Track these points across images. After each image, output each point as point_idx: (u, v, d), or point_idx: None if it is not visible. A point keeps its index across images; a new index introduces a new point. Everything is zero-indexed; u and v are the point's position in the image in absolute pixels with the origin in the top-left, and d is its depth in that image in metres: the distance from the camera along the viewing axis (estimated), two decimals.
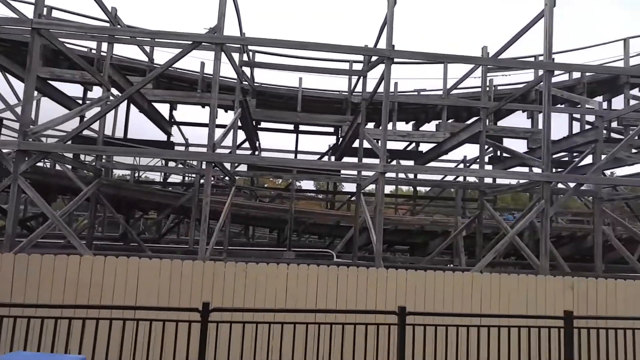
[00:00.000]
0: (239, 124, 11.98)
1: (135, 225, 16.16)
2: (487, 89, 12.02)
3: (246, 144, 16.60)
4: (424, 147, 15.61)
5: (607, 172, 18.92)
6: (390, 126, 13.85)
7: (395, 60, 8.88)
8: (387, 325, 5.80)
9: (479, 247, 11.25)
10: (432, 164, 14.81)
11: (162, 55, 26.87)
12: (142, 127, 15.53)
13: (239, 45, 10.15)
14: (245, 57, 11.67)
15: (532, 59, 13.60)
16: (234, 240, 15.74)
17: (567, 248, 16.87)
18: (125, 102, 12.34)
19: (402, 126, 16.41)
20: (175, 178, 20.55)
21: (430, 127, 15.57)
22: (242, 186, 18.87)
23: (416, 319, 5.96)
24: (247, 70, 13.30)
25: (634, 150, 14.48)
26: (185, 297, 6.46)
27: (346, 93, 14.47)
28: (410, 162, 15.77)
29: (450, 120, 14.28)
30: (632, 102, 15.00)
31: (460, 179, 16.17)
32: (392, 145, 15.93)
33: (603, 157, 11.49)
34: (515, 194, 29.35)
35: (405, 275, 7.45)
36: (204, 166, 9.54)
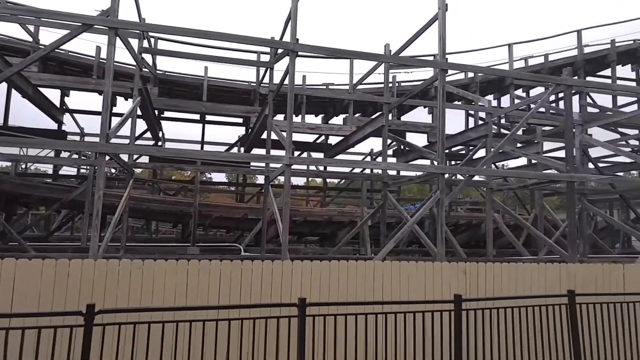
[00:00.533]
0: (139, 113, 11.33)
1: (18, 222, 14.71)
2: (390, 85, 12.46)
3: (149, 134, 15.77)
4: (334, 140, 15.91)
5: (500, 165, 20.54)
6: (299, 119, 13.94)
7: (302, 53, 8.88)
8: (288, 318, 5.81)
9: (383, 236, 11.69)
10: (341, 156, 15.14)
11: (52, 38, 24.68)
12: (37, 116, 14.02)
13: (138, 31, 9.57)
14: (145, 44, 11.04)
15: (432, 58, 14.31)
16: (136, 236, 14.95)
17: (464, 235, 18.10)
18: (5, 86, 11.14)
19: (311, 119, 16.62)
20: (69, 170, 19.02)
21: (338, 120, 15.91)
22: (143, 178, 17.94)
23: (318, 310, 6.04)
24: (149, 57, 12.60)
25: (519, 145, 15.83)
26: (72, 301, 5.95)
27: (255, 84, 14.28)
28: (321, 155, 16.00)
29: (357, 115, 14.69)
30: (517, 101, 16.40)
31: (368, 171, 16.71)
32: (302, 137, 16.08)
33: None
34: (421, 185, 30.97)
35: (311, 267, 7.48)
36: None
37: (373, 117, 13.60)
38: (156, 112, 13.37)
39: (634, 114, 16.06)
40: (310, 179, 23.66)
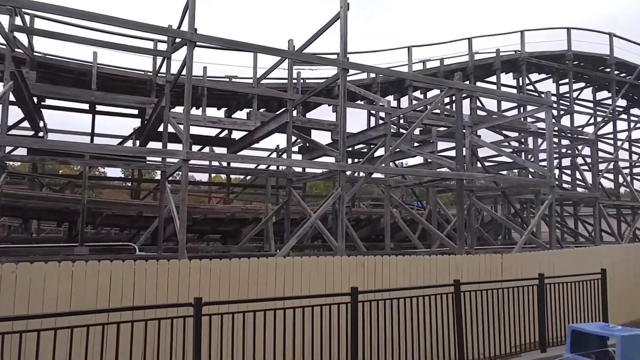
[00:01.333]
0: (13, 99, 10.20)
1: None
2: (295, 81, 12.50)
3: (27, 124, 14.23)
4: (238, 135, 15.60)
5: (400, 163, 21.53)
6: (200, 112, 13.47)
7: (201, 44, 8.57)
8: (183, 318, 5.59)
9: (287, 232, 11.72)
10: (246, 152, 14.90)
11: None
12: None
13: (8, 7, 8.61)
14: (19, 22, 9.97)
15: (335, 57, 14.62)
16: (12, 236, 13.51)
17: (365, 230, 18.74)
18: None
19: (213, 112, 16.14)
20: None
21: (242, 115, 15.64)
22: (22, 172, 16.28)
23: (217, 308, 5.90)
24: (25, 38, 11.39)
25: (416, 144, 16.70)
26: None
27: (151, 73, 13.52)
28: (224, 150, 15.63)
29: (261, 110, 14.53)
30: (415, 102, 17.30)
31: (274, 167, 16.67)
32: (203, 131, 15.56)
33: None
34: (328, 182, 31.56)
35: (210, 265, 7.27)
36: None
37: (278, 112, 13.56)
38: (35, 99, 12.11)
39: (515, 117, 17.70)
40: (214, 174, 23.07)
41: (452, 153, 14.73)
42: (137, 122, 15.60)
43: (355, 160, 18.29)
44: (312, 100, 15.46)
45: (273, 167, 16.38)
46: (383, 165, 12.56)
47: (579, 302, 9.20)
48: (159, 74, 13.16)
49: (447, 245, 12.97)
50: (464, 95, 15.44)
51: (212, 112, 16.14)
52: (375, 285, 8.17)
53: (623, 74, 24.63)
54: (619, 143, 24.66)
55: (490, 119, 17.99)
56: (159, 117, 11.04)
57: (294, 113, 12.24)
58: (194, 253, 10.90)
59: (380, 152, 14.76)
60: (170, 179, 10.84)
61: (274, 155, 18.50)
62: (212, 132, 16.02)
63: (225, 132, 16.07)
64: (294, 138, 12.26)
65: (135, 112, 14.80)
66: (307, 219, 10.66)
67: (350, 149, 17.25)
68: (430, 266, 8.66)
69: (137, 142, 14.76)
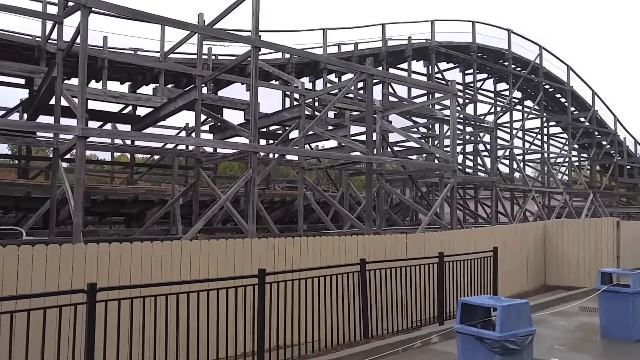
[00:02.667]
0: None
1: None
2: (205, 57, 12.00)
3: None
4: (143, 111, 14.72)
5: (316, 145, 21.66)
6: (100, 85, 12.47)
7: (97, 10, 7.86)
8: (74, 305, 5.17)
9: (195, 215, 11.33)
10: (152, 129, 14.14)
11: None
12: None
13: None
14: None
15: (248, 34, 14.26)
16: None
17: (279, 212, 18.72)
18: None
19: (116, 86, 15.03)
20: None
21: (148, 90, 14.74)
22: None
23: (118, 293, 5.54)
24: None
25: (330, 127, 16.89)
26: None
27: (40, 39, 12.20)
28: (127, 127, 14.68)
29: (170, 85, 13.81)
30: (329, 85, 17.42)
31: (183, 147, 15.97)
32: (105, 106, 14.47)
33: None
34: (242, 163, 30.96)
35: (109, 249, 6.79)
36: None
37: (186, 89, 12.96)
38: None
39: (423, 104, 18.47)
40: (118, 153, 21.69)
41: (365, 137, 15.08)
42: (24, 93, 14.10)
43: (269, 141, 18.10)
44: (224, 78, 14.98)
45: (181, 147, 15.68)
46: (297, 147, 12.54)
47: (474, 277, 9.87)
48: (49, 41, 11.91)
49: (357, 227, 13.32)
50: (376, 80, 15.83)
51: (114, 86, 15.02)
52: (285, 267, 8.11)
53: (519, 69, 26.65)
54: (514, 132, 26.80)
55: (400, 105, 18.65)
56: (50, 89, 10.05)
57: (204, 90, 11.78)
58: (95, 237, 10.19)
59: (295, 134, 14.73)
60: (67, 157, 9.98)
61: (183, 134, 17.72)
62: (114, 107, 14.93)
63: (129, 108, 15.04)
64: (203, 117, 11.81)
65: (22, 81, 13.32)
66: (216, 201, 10.37)
67: (264, 129, 17.03)
68: (340, 246, 8.79)
69: (25, 116, 13.34)
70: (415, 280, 8.81)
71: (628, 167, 32.27)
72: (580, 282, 13.45)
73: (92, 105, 12.37)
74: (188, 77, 14.66)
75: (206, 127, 16.52)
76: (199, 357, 6.01)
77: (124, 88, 15.19)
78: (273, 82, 17.66)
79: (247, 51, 10.26)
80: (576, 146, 30.97)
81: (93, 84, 14.01)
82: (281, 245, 8.32)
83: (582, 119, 29.83)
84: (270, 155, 14.07)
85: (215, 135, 15.68)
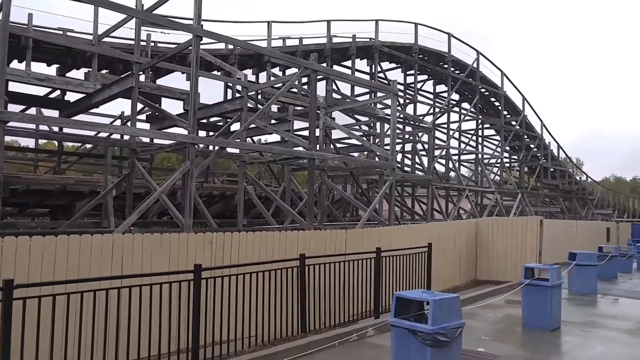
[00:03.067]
0: None
1: None
2: (144, 43, 11.50)
3: None
4: (74, 97, 13.85)
5: (258, 139, 21.40)
6: (23, 66, 11.60)
7: None
8: None
9: (129, 207, 10.86)
10: (82, 117, 13.36)
11: None
12: None
13: None
14: None
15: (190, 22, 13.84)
16: None
17: (218, 206, 18.38)
18: None
19: (42, 68, 13.98)
20: None
21: (79, 74, 13.89)
22: None
23: (39, 290, 5.18)
24: None
25: (273, 121, 16.74)
26: None
27: None
28: (56, 113, 13.77)
29: (104, 71, 13.10)
30: (273, 79, 17.26)
31: (116, 136, 15.27)
32: (29, 89, 13.46)
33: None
34: (182, 155, 30.05)
35: (29, 244, 6.34)
36: None
37: (122, 76, 12.36)
38: None
39: (365, 102, 18.76)
40: (44, 140, 20.36)
41: (308, 133, 15.08)
42: None
43: (209, 133, 17.68)
44: (163, 66, 14.45)
45: (116, 136, 14.97)
46: (238, 140, 12.31)
47: (410, 272, 10.16)
48: None
49: (298, 222, 13.32)
50: (320, 76, 15.89)
51: (40, 67, 13.99)
52: (223, 262, 7.96)
53: (457, 72, 27.71)
54: (451, 133, 27.87)
55: (343, 102, 18.83)
56: None
57: (142, 78, 11.28)
58: (14, 229, 9.51)
59: (236, 126, 14.48)
60: None
61: (118, 122, 16.91)
62: (39, 91, 13.91)
63: (57, 92, 14.09)
64: (140, 105, 11.34)
65: None
66: (152, 194, 9.98)
67: (204, 121, 16.62)
68: (280, 241, 8.74)
69: None
70: (353, 275, 8.93)
71: (552, 169, 34.49)
72: (507, 277, 14.20)
73: (13, 87, 11.46)
74: (124, 63, 13.97)
75: (143, 117, 15.86)
76: (129, 356, 5.75)
77: (52, 71, 14.21)
78: (215, 72, 17.25)
79: (188, 40, 9.94)
80: (507, 148, 32.68)
81: (15, 64, 13.00)
82: (219, 240, 8.14)
83: (514, 123, 31.52)
84: (210, 148, 13.77)
85: (152, 125, 15.10)
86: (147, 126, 14.93)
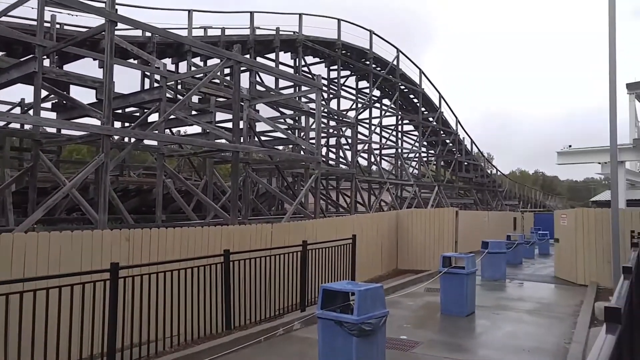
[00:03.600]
0: None
1: None
2: (48, 25, 10.55)
3: None
4: None
5: (177, 131, 20.56)
6: None
7: None
8: None
9: (32, 203, 9.95)
10: None
11: None
12: None
13: None
14: None
15: (104, 5, 12.92)
16: None
17: (135, 201, 17.46)
18: None
19: None
20: None
21: None
22: None
23: None
24: None
25: (194, 113, 16.15)
26: None
27: None
28: None
29: (0, 53, 11.85)
30: (194, 69, 16.64)
31: (16, 125, 13.96)
32: None
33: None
34: (93, 147, 28.17)
35: None
36: None
37: (23, 59, 11.25)
38: None
39: (290, 96, 18.69)
40: None
41: (230, 125, 14.72)
42: None
43: (125, 124, 16.70)
44: (72, 51, 13.39)
45: (15, 125, 13.63)
46: (156, 131, 11.72)
47: (335, 264, 10.28)
48: None
49: (222, 217, 12.98)
50: (243, 68, 15.51)
51: None
52: (142, 260, 7.54)
53: (379, 68, 28.44)
54: (373, 128, 28.60)
55: (268, 95, 18.61)
56: None
57: (47, 63, 10.35)
58: None
59: (154, 117, 13.80)
60: None
61: (17, 110, 15.41)
62: None
63: None
64: (45, 92, 10.39)
65: None
66: (60, 188, 9.22)
67: (119, 111, 15.69)
68: (202, 237, 8.44)
69: None
70: (279, 269, 8.86)
71: (465, 163, 36.61)
72: (426, 266, 14.85)
73: None
74: (25, 45, 12.70)
75: (48, 105, 14.58)
76: None
77: None
78: (131, 60, 16.30)
79: (101, 24, 9.26)
80: (425, 143, 34.16)
81: None
82: (137, 236, 7.70)
83: (431, 119, 33.00)
84: (126, 140, 12.99)
85: (59, 115, 13.91)
86: (53, 115, 13.74)
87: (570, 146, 23.97)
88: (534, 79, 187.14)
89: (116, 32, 9.51)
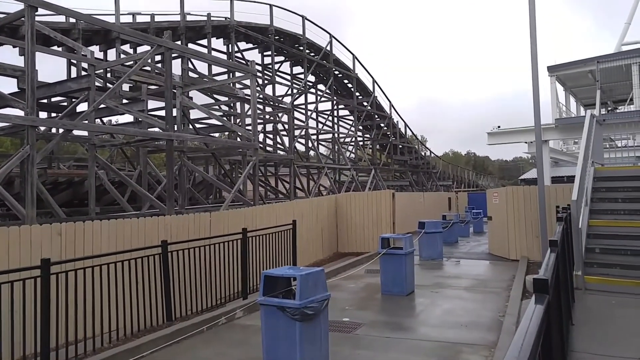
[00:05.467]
0: None
1: None
2: None
3: None
4: None
5: (108, 120, 19.68)
6: None
7: None
8: None
9: None
10: None
11: None
12: None
13: None
14: None
15: None
16: None
17: (66, 194, 16.63)
18: None
19: None
20: None
21: None
22: None
23: None
24: None
25: (125, 101, 15.56)
26: None
27: None
28: None
29: None
30: (124, 56, 15.97)
31: None
32: None
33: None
34: (17, 139, 26.36)
35: None
36: None
37: None
38: None
39: (224, 82, 18.42)
40: None
41: (163, 113, 14.34)
42: None
43: (52, 114, 15.81)
44: None
45: None
46: (86, 121, 11.23)
47: (276, 250, 10.42)
48: None
49: (157, 207, 12.72)
50: (175, 55, 15.11)
51: None
52: (75, 254, 7.32)
53: (312, 54, 28.57)
54: (309, 113, 28.80)
55: (201, 82, 18.25)
56: None
57: None
58: None
59: (83, 106, 13.18)
60: None
61: None
62: None
63: None
64: None
65: None
66: None
67: (44, 101, 14.82)
68: (139, 229, 8.29)
69: None
70: (220, 258, 8.88)
71: (400, 146, 37.78)
72: (366, 248, 15.34)
73: None
74: None
75: None
76: None
77: None
78: (55, 48, 15.38)
79: (20, 10, 8.71)
80: (360, 127, 34.86)
81: None
82: (69, 230, 7.45)
83: (365, 104, 33.69)
84: (54, 130, 12.35)
85: None
86: None
87: (499, 127, 25.36)
88: (465, 67, 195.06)
89: (38, 18, 8.98)
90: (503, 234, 13.94)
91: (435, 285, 10.33)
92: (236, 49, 23.91)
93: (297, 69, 29.47)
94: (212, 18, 21.61)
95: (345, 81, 32.69)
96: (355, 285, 10.57)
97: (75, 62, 16.12)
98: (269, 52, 25.71)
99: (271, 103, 23.27)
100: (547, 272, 3.08)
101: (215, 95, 19.88)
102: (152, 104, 16.16)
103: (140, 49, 19.09)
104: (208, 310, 8.38)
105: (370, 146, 36.39)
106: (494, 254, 14.66)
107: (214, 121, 18.96)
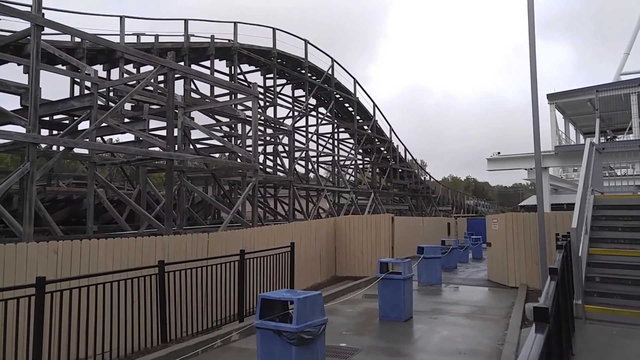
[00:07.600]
0: None
1: None
2: None
3: None
4: None
5: (109, 139, 19.75)
6: None
7: None
8: None
9: None
10: None
11: None
12: None
13: None
14: None
15: (29, 9, 12.28)
16: None
17: (64, 211, 16.58)
18: None
19: None
20: None
21: None
22: None
23: None
24: None
25: (127, 120, 15.66)
26: None
27: None
28: None
29: None
30: (127, 76, 16.12)
31: None
32: None
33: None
34: (18, 155, 26.39)
35: None
36: None
37: None
38: None
39: (226, 103, 18.54)
40: None
41: (164, 132, 14.40)
42: None
43: (54, 132, 15.89)
44: None
45: None
46: (87, 139, 11.27)
47: (274, 272, 10.33)
48: None
49: (156, 226, 12.66)
50: (178, 75, 15.24)
51: None
52: (72, 273, 7.25)
53: (314, 77, 28.88)
54: (310, 135, 28.94)
55: (203, 103, 18.37)
56: None
57: None
58: None
59: (85, 125, 13.25)
60: None
61: None
62: None
63: None
64: None
65: None
66: None
67: (46, 118, 14.92)
68: (136, 248, 8.22)
69: None
70: (217, 280, 8.80)
71: (400, 170, 37.86)
72: (364, 272, 15.19)
73: None
74: None
75: None
76: None
77: None
78: (59, 66, 15.55)
79: (26, 29, 8.84)
80: (360, 151, 34.98)
81: None
82: (66, 248, 7.38)
83: (365, 127, 33.88)
84: (55, 148, 12.38)
85: None
86: None
87: (499, 153, 25.46)
88: (464, 93, 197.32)
89: (43, 37, 9.11)
90: (502, 261, 13.85)
91: (433, 312, 10.22)
92: (239, 71, 24.18)
93: (299, 92, 29.73)
94: (215, 40, 21.90)
95: (346, 105, 32.94)
96: (353, 309, 10.44)
97: (78, 80, 16.28)
98: (271, 75, 25.97)
99: (272, 125, 23.39)
100: (547, 301, 3.04)
101: (216, 116, 20.00)
102: (153, 123, 16.24)
103: (143, 69, 19.28)
104: (204, 333, 8.26)
105: (370, 169, 36.45)
106: (493, 280, 14.55)
107: (214, 142, 19.04)
